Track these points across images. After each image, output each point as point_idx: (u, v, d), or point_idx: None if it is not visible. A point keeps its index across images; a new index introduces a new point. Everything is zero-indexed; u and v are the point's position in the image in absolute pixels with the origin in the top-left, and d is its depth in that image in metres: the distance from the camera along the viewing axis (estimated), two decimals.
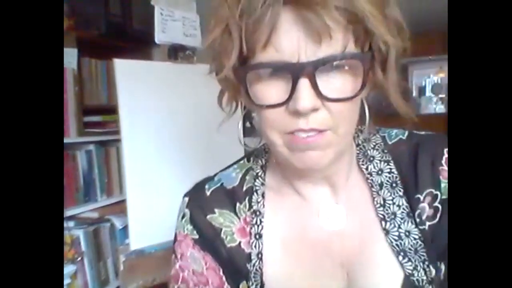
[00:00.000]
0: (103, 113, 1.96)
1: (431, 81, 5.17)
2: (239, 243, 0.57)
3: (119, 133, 1.34)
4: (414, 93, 5.19)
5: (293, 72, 0.44)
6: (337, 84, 0.45)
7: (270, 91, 0.46)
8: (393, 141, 0.59)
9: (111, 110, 1.72)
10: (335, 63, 0.45)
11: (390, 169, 0.57)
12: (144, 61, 1.55)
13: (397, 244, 0.53)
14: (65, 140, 1.73)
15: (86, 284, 1.79)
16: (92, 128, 1.91)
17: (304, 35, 0.43)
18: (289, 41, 0.44)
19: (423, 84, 5.20)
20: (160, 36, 1.40)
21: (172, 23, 1.43)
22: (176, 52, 1.45)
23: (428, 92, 5.19)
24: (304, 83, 0.44)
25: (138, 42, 2.09)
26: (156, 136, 1.38)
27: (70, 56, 1.83)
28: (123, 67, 1.35)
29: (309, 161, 0.48)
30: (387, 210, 0.55)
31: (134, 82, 1.35)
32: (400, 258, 0.53)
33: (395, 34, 0.47)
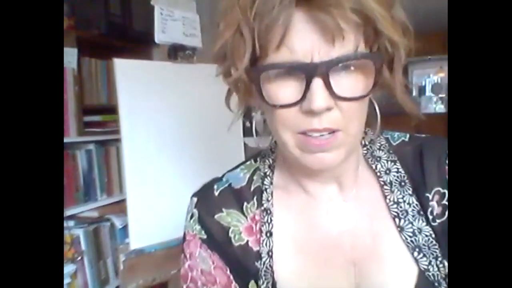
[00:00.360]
0: (103, 113, 1.96)
1: (431, 81, 5.18)
2: (247, 241, 0.58)
3: (119, 132, 1.33)
4: (414, 93, 5.19)
5: (307, 72, 0.45)
6: (349, 83, 0.46)
7: (284, 90, 0.47)
8: (396, 142, 0.60)
9: (111, 110, 1.72)
10: (347, 63, 0.45)
11: (397, 168, 0.58)
12: (144, 60, 1.55)
13: (411, 241, 0.54)
14: (65, 140, 1.73)
15: (86, 283, 1.79)
16: (92, 128, 1.91)
17: (317, 35, 0.44)
18: (303, 41, 0.44)
19: (423, 83, 5.21)
20: (160, 36, 1.40)
21: (172, 23, 1.43)
22: (176, 52, 1.45)
23: (428, 92, 5.19)
24: (318, 83, 0.45)
25: (138, 42, 2.09)
26: (156, 135, 1.38)
27: (70, 56, 1.83)
28: (123, 66, 1.34)
29: (320, 162, 0.49)
30: (400, 207, 0.56)
31: (134, 82, 1.35)
32: (415, 254, 0.53)
33: (401, 34, 0.48)
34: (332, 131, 0.47)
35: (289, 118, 0.48)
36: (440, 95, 5.09)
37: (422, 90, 5.22)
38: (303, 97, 0.45)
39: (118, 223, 1.89)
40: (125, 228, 1.63)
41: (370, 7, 0.43)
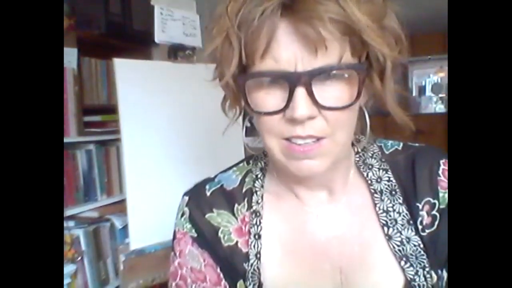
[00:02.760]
0: (103, 113, 1.95)
1: (431, 81, 5.18)
2: (236, 242, 0.58)
3: (119, 132, 1.33)
4: (414, 93, 5.20)
5: (290, 81, 0.45)
6: (333, 93, 0.47)
7: (268, 99, 0.48)
8: (389, 150, 0.60)
9: (111, 109, 1.71)
10: (333, 73, 0.46)
11: (389, 177, 0.58)
12: (144, 60, 1.55)
13: (399, 250, 0.54)
14: (65, 140, 1.73)
15: (86, 283, 1.78)
16: (92, 128, 1.91)
17: (300, 46, 0.44)
18: (286, 51, 0.45)
19: (423, 83, 5.21)
20: (160, 36, 1.40)
21: (172, 23, 1.43)
22: (176, 52, 1.45)
23: (428, 92, 5.20)
24: (300, 92, 0.45)
25: (138, 41, 2.09)
26: (156, 135, 1.38)
27: (70, 56, 1.83)
28: (123, 66, 1.34)
29: (306, 169, 0.49)
30: (389, 216, 0.55)
31: (134, 82, 1.35)
32: (402, 263, 0.53)
33: (393, 44, 0.48)
34: (317, 139, 0.48)
35: (274, 125, 0.48)
36: (440, 95, 5.09)
37: (422, 90, 5.22)
38: (287, 105, 0.46)
39: (118, 223, 1.89)
40: (125, 228, 1.63)
41: (356, 19, 0.43)
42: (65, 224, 1.73)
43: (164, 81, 1.41)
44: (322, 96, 0.45)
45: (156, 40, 1.40)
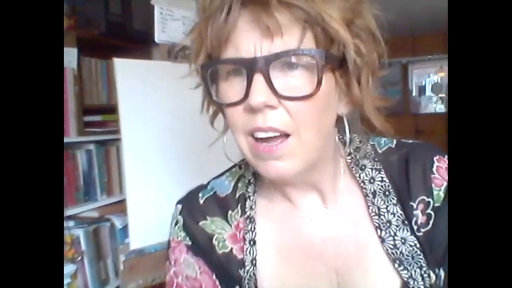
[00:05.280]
0: (103, 113, 1.96)
1: (431, 81, 5.18)
2: (231, 249, 0.58)
3: (119, 132, 1.33)
4: (414, 93, 5.20)
5: (247, 67, 0.45)
6: (294, 82, 0.46)
7: (230, 90, 0.48)
8: (382, 149, 0.59)
9: (111, 109, 1.72)
10: (290, 59, 0.45)
11: (382, 177, 0.57)
12: (144, 60, 1.55)
13: (392, 253, 0.54)
14: (65, 140, 1.73)
15: (86, 283, 1.78)
16: (92, 128, 1.91)
17: (258, 33, 0.45)
18: (246, 39, 0.45)
19: (423, 83, 5.21)
20: (160, 36, 1.40)
21: (172, 23, 1.43)
22: (176, 52, 1.45)
23: (428, 92, 5.20)
24: (258, 79, 0.45)
25: (138, 41, 2.09)
26: (156, 135, 1.38)
27: (70, 56, 1.83)
28: (123, 66, 1.34)
29: (272, 171, 0.48)
30: (382, 218, 0.55)
31: (134, 82, 1.35)
32: (396, 265, 0.53)
33: (369, 46, 0.47)
34: (284, 136, 0.47)
35: (237, 118, 0.48)
36: (440, 95, 5.09)
37: (422, 90, 5.22)
38: (246, 94, 0.45)
39: (118, 223, 1.89)
40: (125, 228, 1.63)
41: (316, 7, 0.43)
42: (65, 224, 1.73)
43: (164, 81, 1.41)
44: (281, 85, 0.45)
45: (156, 40, 1.40)
